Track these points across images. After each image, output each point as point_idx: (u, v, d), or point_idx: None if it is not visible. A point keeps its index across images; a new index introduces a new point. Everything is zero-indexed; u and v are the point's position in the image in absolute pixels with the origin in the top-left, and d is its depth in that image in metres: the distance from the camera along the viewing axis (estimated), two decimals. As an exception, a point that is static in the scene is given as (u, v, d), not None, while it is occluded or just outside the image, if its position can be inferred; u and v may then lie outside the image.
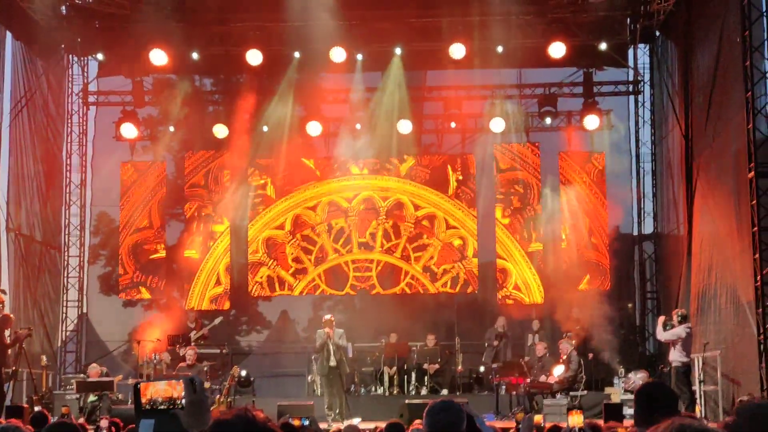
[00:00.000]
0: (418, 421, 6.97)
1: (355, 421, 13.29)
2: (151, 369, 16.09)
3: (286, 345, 19.44)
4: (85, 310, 19.63)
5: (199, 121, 19.34)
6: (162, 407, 3.19)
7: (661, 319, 14.54)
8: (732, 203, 14.17)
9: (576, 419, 5.28)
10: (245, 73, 19.25)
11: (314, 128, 19.29)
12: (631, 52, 19.50)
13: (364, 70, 19.07)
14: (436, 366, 17.45)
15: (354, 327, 17.50)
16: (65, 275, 19.45)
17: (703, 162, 15.69)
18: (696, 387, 14.45)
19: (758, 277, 12.52)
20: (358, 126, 19.41)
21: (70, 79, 19.77)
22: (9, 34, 17.00)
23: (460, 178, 19.82)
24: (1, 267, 16.22)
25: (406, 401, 14.42)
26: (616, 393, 15.41)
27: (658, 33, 18.81)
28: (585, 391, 15.64)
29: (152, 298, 19.57)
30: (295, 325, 20.00)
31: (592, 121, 19.04)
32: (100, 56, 19.21)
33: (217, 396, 14.91)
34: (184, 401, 3.13)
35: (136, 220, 19.66)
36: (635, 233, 19.74)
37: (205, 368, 15.48)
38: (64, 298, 19.36)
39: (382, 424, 7.34)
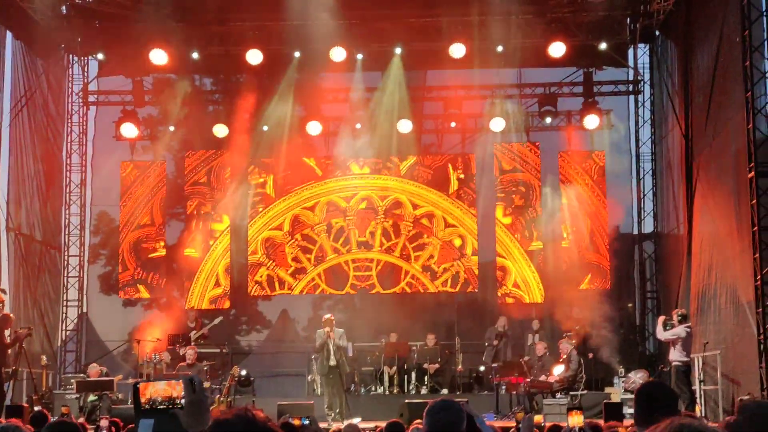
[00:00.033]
0: (418, 420, 6.97)
1: (355, 420, 13.28)
2: (151, 368, 16.09)
3: (286, 345, 19.43)
4: (85, 310, 19.63)
5: (199, 121, 19.34)
6: (161, 407, 3.19)
7: (661, 318, 14.54)
8: (732, 203, 14.17)
9: (576, 419, 5.27)
10: (245, 73, 19.26)
11: (314, 128, 19.30)
12: (631, 51, 19.50)
13: (364, 69, 19.07)
14: (436, 365, 17.45)
15: (354, 326, 17.50)
16: (65, 275, 19.45)
17: (703, 162, 15.68)
18: (696, 387, 14.45)
19: (758, 277, 12.52)
20: (358, 126, 19.42)
21: (70, 78, 19.77)
22: (9, 34, 17.00)
23: (462, 176, 19.82)
24: (1, 267, 16.22)
25: (406, 401, 14.41)
26: (616, 393, 15.42)
27: (658, 33, 18.81)
28: (585, 391, 15.64)
29: (152, 297, 19.57)
30: (295, 325, 20.00)
31: (592, 121, 19.05)
32: (100, 56, 19.21)
33: (217, 395, 14.91)
34: (183, 401, 3.13)
35: (137, 217, 19.66)
36: (635, 233, 19.74)
37: (205, 368, 15.48)
38: (64, 298, 19.36)
39: (382, 424, 7.34)
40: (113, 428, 7.82)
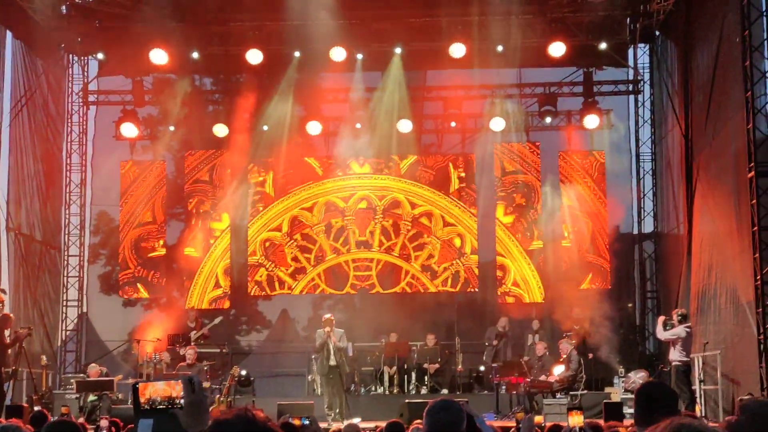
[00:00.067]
0: (418, 420, 6.97)
1: (355, 420, 13.28)
2: (151, 368, 16.09)
3: (286, 344, 19.43)
4: (84, 310, 19.62)
5: (199, 121, 19.34)
6: (161, 407, 3.19)
7: (661, 318, 14.54)
8: (732, 203, 14.17)
9: (576, 419, 5.27)
10: (245, 73, 19.26)
11: (314, 128, 19.30)
12: (630, 51, 19.51)
13: (364, 69, 19.07)
14: (436, 365, 17.45)
15: (354, 326, 17.50)
16: (65, 275, 19.45)
17: (702, 161, 15.68)
18: (696, 387, 14.45)
19: (758, 277, 12.52)
20: (358, 125, 19.42)
21: (70, 78, 19.78)
22: (9, 34, 16.99)
23: (463, 175, 19.82)
24: (1, 267, 16.22)
25: (406, 401, 14.41)
26: (616, 392, 15.41)
27: (657, 33, 18.81)
28: (585, 391, 15.65)
29: (152, 297, 19.57)
30: (295, 325, 20.00)
31: (592, 121, 19.05)
32: (100, 56, 19.20)
33: (217, 395, 14.91)
34: (182, 401, 3.13)
35: (139, 215, 19.66)
36: (635, 233, 19.75)
37: (205, 368, 15.48)
38: (64, 298, 19.36)
39: (382, 424, 7.34)
40: (113, 428, 7.82)
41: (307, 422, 7.62)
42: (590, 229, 19.34)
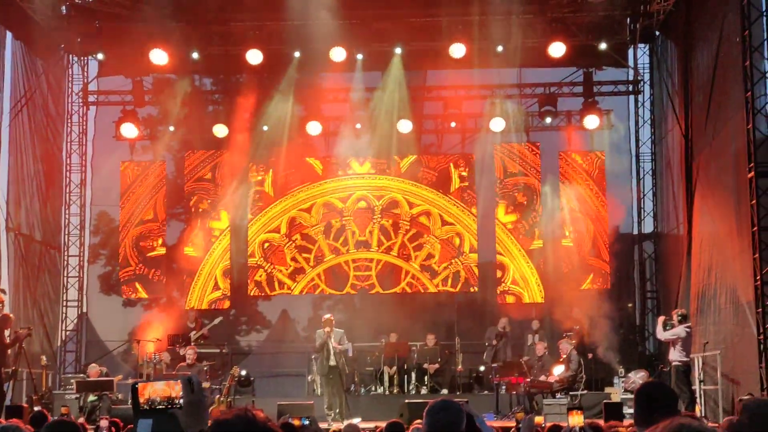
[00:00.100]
0: (418, 420, 6.96)
1: (355, 420, 13.28)
2: (151, 369, 16.09)
3: (286, 345, 19.42)
4: (84, 310, 19.62)
5: (199, 121, 19.34)
6: (160, 407, 3.18)
7: (661, 318, 14.55)
8: (732, 203, 14.16)
9: (576, 419, 5.27)
10: (245, 73, 19.26)
11: (314, 128, 19.30)
12: (630, 51, 19.50)
13: (364, 69, 19.06)
14: (436, 366, 17.45)
15: (354, 327, 17.49)
16: (65, 275, 19.44)
17: (702, 161, 15.68)
18: (696, 387, 14.45)
19: (758, 277, 12.52)
20: (358, 125, 19.42)
21: (70, 78, 19.77)
22: (9, 34, 16.99)
23: (464, 174, 19.82)
24: (1, 267, 16.22)
25: (406, 401, 14.40)
26: (616, 393, 15.41)
27: (657, 33, 18.80)
28: (585, 391, 15.64)
29: (152, 297, 19.56)
30: (295, 325, 19.99)
31: (592, 121, 19.05)
32: (100, 56, 19.18)
33: (217, 396, 14.91)
34: (182, 401, 3.13)
35: (140, 213, 19.65)
36: (635, 233, 19.74)
37: (205, 368, 15.48)
38: (64, 298, 19.35)
39: (382, 424, 7.34)
40: (113, 428, 7.82)
41: (307, 422, 7.63)
42: (590, 230, 19.34)
